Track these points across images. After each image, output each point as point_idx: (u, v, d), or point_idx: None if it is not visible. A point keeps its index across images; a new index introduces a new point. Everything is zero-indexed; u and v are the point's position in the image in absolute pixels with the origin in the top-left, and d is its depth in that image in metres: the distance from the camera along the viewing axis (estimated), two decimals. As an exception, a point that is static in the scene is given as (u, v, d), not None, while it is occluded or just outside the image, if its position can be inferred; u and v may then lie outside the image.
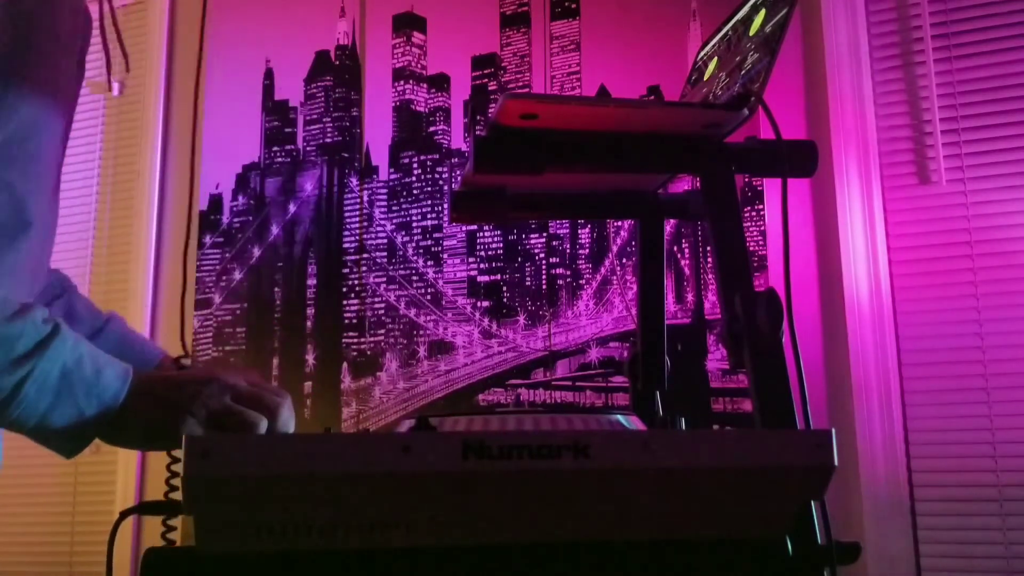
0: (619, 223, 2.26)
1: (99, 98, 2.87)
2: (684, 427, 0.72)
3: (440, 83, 2.50)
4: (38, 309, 0.74)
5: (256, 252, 2.59)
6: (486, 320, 2.33)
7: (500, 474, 0.56)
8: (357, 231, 2.51)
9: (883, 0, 2.19)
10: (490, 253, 2.36)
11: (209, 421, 0.75)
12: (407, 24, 2.56)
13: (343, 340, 2.45)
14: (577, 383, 2.23)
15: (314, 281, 2.53)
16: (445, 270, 2.40)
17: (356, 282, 2.48)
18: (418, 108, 2.52)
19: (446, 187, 2.45)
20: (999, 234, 2.03)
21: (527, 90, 2.43)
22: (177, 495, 0.80)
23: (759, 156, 0.78)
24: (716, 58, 0.93)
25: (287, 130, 2.64)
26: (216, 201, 2.64)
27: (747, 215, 2.12)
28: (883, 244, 2.08)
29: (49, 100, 0.83)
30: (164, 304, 2.68)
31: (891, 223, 2.10)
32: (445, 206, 2.43)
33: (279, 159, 2.63)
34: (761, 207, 2.13)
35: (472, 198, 0.88)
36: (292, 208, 2.59)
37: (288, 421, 0.80)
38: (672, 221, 2.06)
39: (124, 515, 0.70)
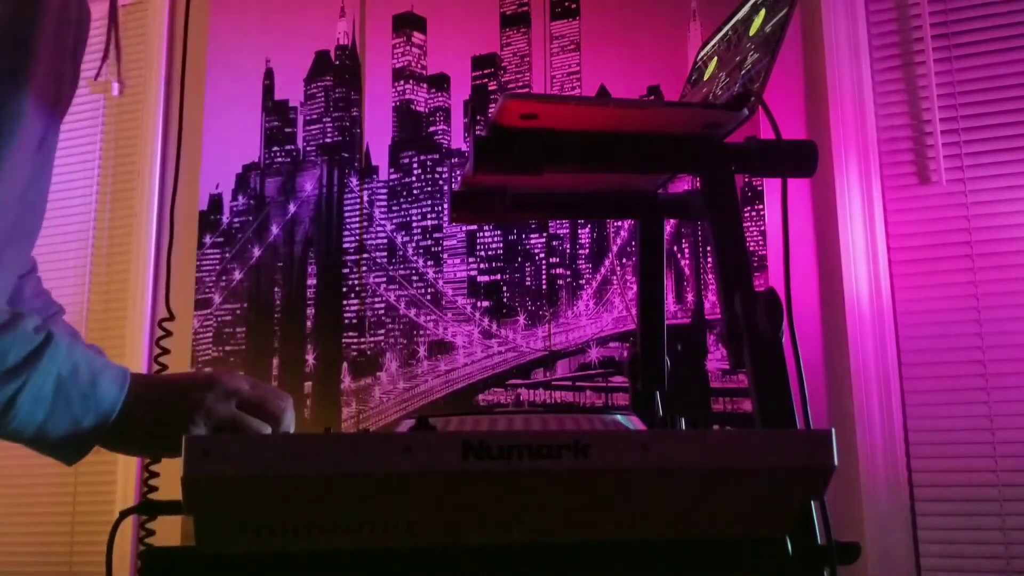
0: (619, 223, 2.26)
1: (99, 98, 2.87)
2: (684, 427, 0.72)
3: (440, 83, 2.50)
4: (28, 318, 0.72)
5: (256, 252, 2.59)
6: (486, 320, 2.33)
7: (500, 474, 0.56)
8: (357, 231, 2.51)
9: (883, 0, 2.19)
10: (490, 253, 2.36)
11: (211, 427, 0.74)
12: (407, 24, 2.56)
13: (343, 340, 2.45)
14: (577, 383, 2.23)
15: (314, 281, 2.53)
16: (445, 270, 2.40)
17: (356, 282, 2.48)
18: (418, 108, 2.52)
19: (446, 187, 2.45)
20: (999, 234, 2.03)
21: (527, 90, 2.43)
22: (156, 496, 0.80)
23: (759, 156, 0.78)
24: (716, 58, 0.93)
25: (287, 130, 2.64)
26: (216, 201, 2.64)
27: (747, 215, 2.12)
28: (883, 244, 2.08)
29: None
30: (164, 304, 2.67)
31: (891, 223, 2.10)
32: (445, 206, 2.43)
33: (279, 159, 2.63)
34: (761, 207, 2.13)
35: (472, 198, 0.88)
36: (292, 208, 2.59)
37: (290, 424, 0.80)
38: (672, 221, 2.06)
39: (124, 515, 0.70)
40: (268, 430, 0.76)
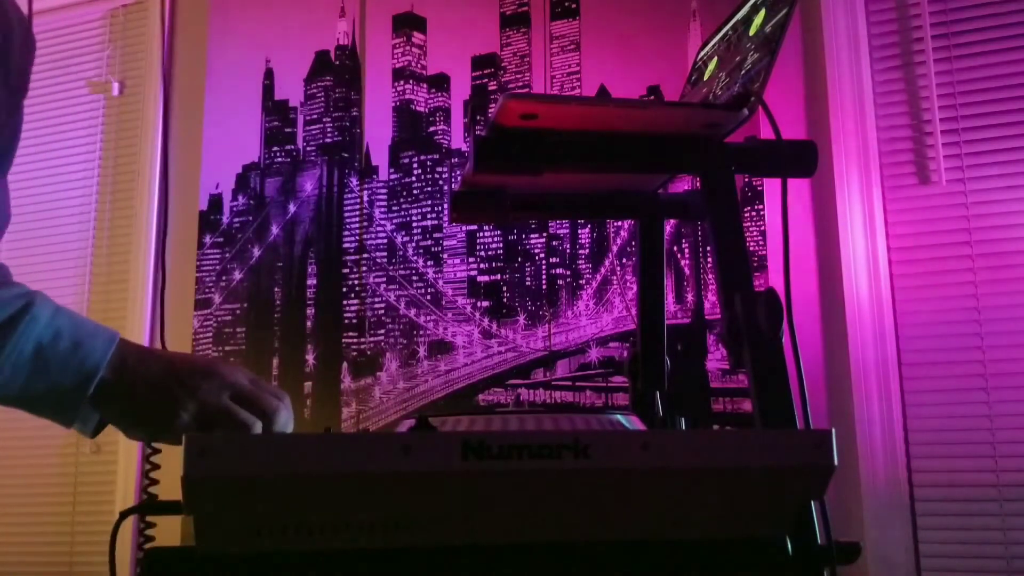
0: (619, 223, 2.26)
1: (99, 98, 2.87)
2: (684, 427, 0.72)
3: (440, 83, 2.50)
4: (9, 287, 0.73)
5: (256, 252, 2.59)
6: (486, 320, 2.33)
7: (500, 474, 0.56)
8: (357, 231, 2.51)
9: (883, 0, 2.19)
10: (490, 253, 2.36)
11: (201, 415, 0.74)
12: (407, 24, 2.56)
13: (343, 340, 2.45)
14: (577, 383, 2.23)
15: (314, 281, 2.53)
16: (445, 270, 2.40)
17: (356, 282, 2.48)
18: (418, 108, 2.52)
19: (446, 187, 2.45)
20: (999, 234, 2.03)
21: (527, 90, 2.43)
22: (156, 491, 0.80)
23: (759, 156, 0.78)
24: (716, 58, 0.93)
25: (287, 130, 2.64)
26: (216, 201, 2.64)
27: (747, 215, 2.12)
28: (883, 244, 2.08)
29: None
30: (164, 305, 2.67)
31: (891, 223, 2.10)
32: (445, 206, 2.43)
33: (279, 159, 2.63)
34: (761, 207, 2.13)
35: (472, 198, 0.88)
36: (292, 208, 2.59)
37: (287, 423, 0.79)
38: (672, 221, 2.06)
39: (124, 515, 0.70)
40: (257, 424, 0.76)
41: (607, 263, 2.26)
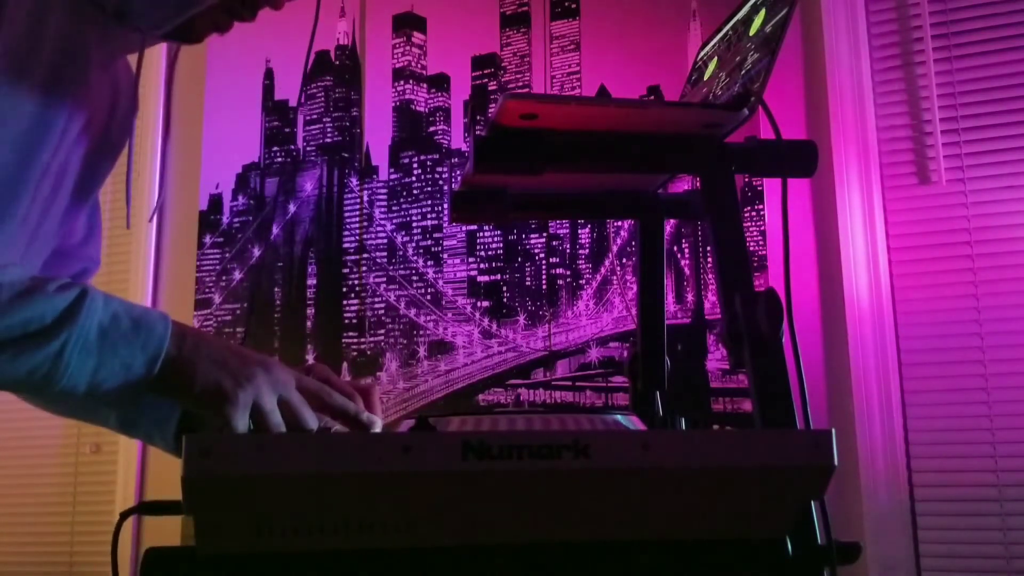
0: (619, 223, 2.26)
1: (99, 98, 2.86)
2: (684, 427, 0.72)
3: (440, 83, 2.50)
4: (51, 281, 0.73)
5: (256, 252, 2.59)
6: (486, 320, 2.33)
7: (500, 474, 0.56)
8: (357, 231, 2.51)
9: (883, 0, 2.19)
10: (490, 253, 2.36)
11: (251, 405, 0.74)
12: (407, 24, 2.56)
13: (343, 340, 2.45)
14: (577, 383, 2.23)
15: (314, 281, 2.53)
16: (445, 270, 2.40)
17: (356, 282, 2.48)
18: (418, 108, 2.52)
19: (446, 187, 2.45)
20: (999, 234, 2.03)
21: (527, 90, 2.43)
22: (156, 495, 0.79)
23: (759, 156, 0.78)
24: (716, 58, 0.93)
25: (287, 130, 2.64)
26: (216, 201, 2.64)
27: (747, 215, 2.12)
28: (883, 244, 2.08)
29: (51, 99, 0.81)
30: (164, 305, 2.67)
31: (891, 223, 2.10)
32: (445, 206, 2.43)
33: (279, 159, 2.63)
34: (761, 207, 2.13)
35: (472, 198, 0.88)
36: (292, 208, 2.59)
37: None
38: (672, 221, 2.06)
39: (125, 516, 0.70)
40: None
41: (607, 263, 2.26)
